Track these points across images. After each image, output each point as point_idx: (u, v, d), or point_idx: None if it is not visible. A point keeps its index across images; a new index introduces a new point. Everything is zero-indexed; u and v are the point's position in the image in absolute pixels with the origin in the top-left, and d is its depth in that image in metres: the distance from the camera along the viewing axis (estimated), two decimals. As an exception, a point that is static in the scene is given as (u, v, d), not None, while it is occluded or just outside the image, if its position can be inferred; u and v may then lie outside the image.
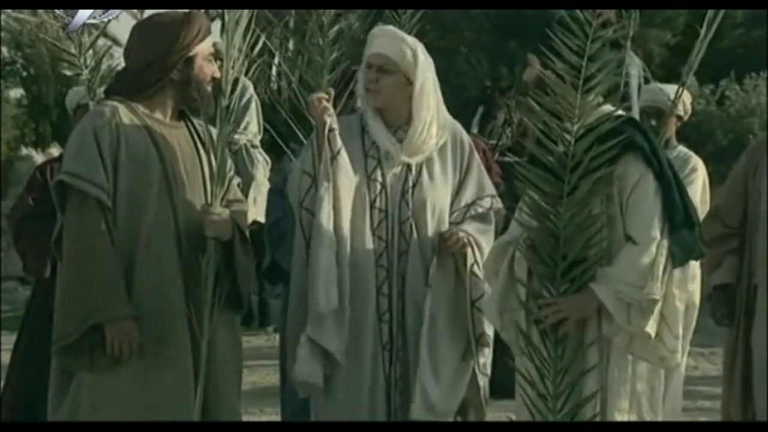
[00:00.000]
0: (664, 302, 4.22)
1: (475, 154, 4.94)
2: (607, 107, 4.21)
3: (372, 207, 4.76)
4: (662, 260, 4.16)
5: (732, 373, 5.39)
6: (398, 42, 4.80)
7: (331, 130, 4.68)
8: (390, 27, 5.08)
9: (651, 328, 4.16)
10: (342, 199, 4.69)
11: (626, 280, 4.13)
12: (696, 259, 4.42)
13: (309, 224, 4.67)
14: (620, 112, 4.27)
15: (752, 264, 5.28)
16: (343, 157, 4.69)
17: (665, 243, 4.18)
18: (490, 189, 4.92)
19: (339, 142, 4.68)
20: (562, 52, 3.99)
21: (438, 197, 4.80)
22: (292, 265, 4.84)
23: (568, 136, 4.03)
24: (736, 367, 5.35)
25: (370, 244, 4.74)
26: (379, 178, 4.78)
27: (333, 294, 4.62)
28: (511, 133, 8.85)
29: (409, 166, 4.81)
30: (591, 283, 4.14)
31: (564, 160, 4.03)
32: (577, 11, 4.02)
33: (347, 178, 4.70)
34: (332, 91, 4.78)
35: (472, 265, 4.77)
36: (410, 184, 4.79)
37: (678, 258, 4.23)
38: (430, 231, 4.78)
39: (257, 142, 7.17)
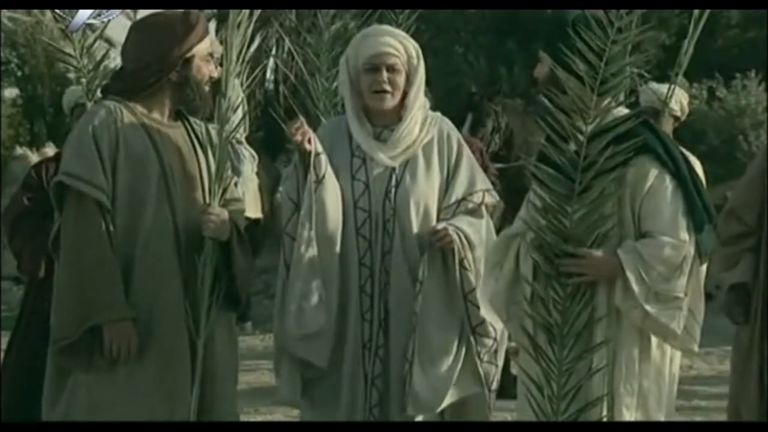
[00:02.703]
0: (692, 297, 4.23)
1: (465, 148, 4.93)
2: (622, 109, 4.20)
3: (356, 207, 4.77)
4: (690, 259, 4.17)
5: (744, 373, 5.38)
6: (403, 41, 4.83)
7: (316, 155, 4.68)
8: (386, 26, 5.09)
9: (677, 325, 4.17)
10: (329, 223, 4.69)
11: (654, 267, 4.12)
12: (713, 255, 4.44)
13: (290, 250, 4.70)
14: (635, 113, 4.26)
15: (768, 263, 5.30)
16: (329, 181, 4.70)
17: (693, 242, 4.19)
18: (483, 183, 4.91)
19: (323, 167, 4.69)
20: (578, 52, 3.98)
21: (422, 195, 4.80)
22: (276, 286, 4.87)
23: (580, 136, 4.02)
24: (752, 366, 5.34)
25: (354, 243, 4.75)
26: (363, 178, 4.79)
27: (307, 319, 4.66)
28: (500, 138, 8.89)
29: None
30: (620, 250, 4.12)
31: (575, 160, 4.03)
32: (599, 12, 4.02)
33: (333, 201, 4.71)
34: (303, 118, 4.77)
35: (462, 259, 4.77)
36: (393, 183, 4.79)
37: (705, 255, 4.25)
38: (415, 229, 4.78)
39: (242, 138, 7.19)
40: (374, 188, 4.79)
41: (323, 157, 4.70)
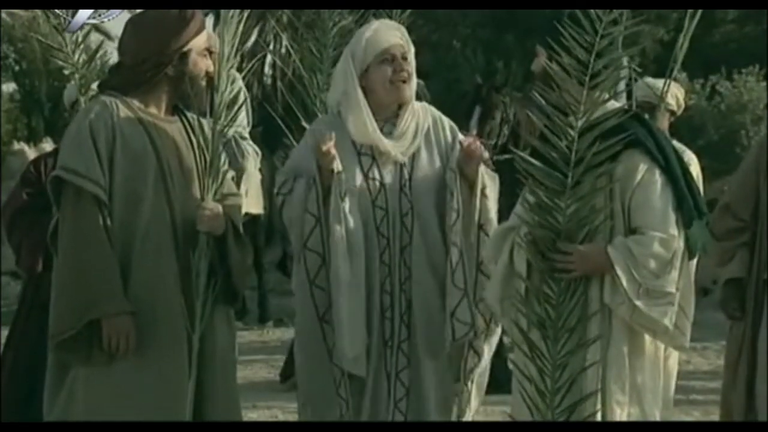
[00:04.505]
0: (682, 293, 4.24)
1: (457, 131, 4.94)
2: (613, 104, 4.21)
3: (374, 206, 4.75)
4: (680, 255, 4.18)
5: (736, 369, 5.38)
6: (404, 32, 4.86)
7: (338, 172, 4.66)
8: (385, 20, 5.11)
9: (669, 320, 4.18)
10: (357, 237, 4.68)
11: (644, 264, 4.13)
12: (705, 251, 4.44)
13: (314, 264, 4.67)
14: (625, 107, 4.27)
15: (763, 258, 5.29)
16: (349, 197, 4.69)
17: (682, 237, 4.19)
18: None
19: (344, 184, 4.67)
20: (570, 48, 3.99)
21: (433, 184, 4.79)
22: (296, 303, 4.84)
23: (571, 131, 4.03)
24: (741, 362, 5.35)
25: (375, 242, 4.73)
26: (377, 176, 4.77)
27: (358, 339, 4.65)
28: (509, 129, 8.83)
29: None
30: (609, 247, 4.14)
31: (567, 155, 4.03)
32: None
33: (357, 218, 4.69)
34: (334, 135, 4.72)
35: (484, 187, 4.77)
36: (406, 177, 4.79)
37: (694, 251, 4.25)
38: (433, 220, 4.77)
39: (246, 134, 7.19)
40: (389, 185, 4.77)
41: (343, 176, 4.68)
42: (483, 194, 4.77)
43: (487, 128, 8.68)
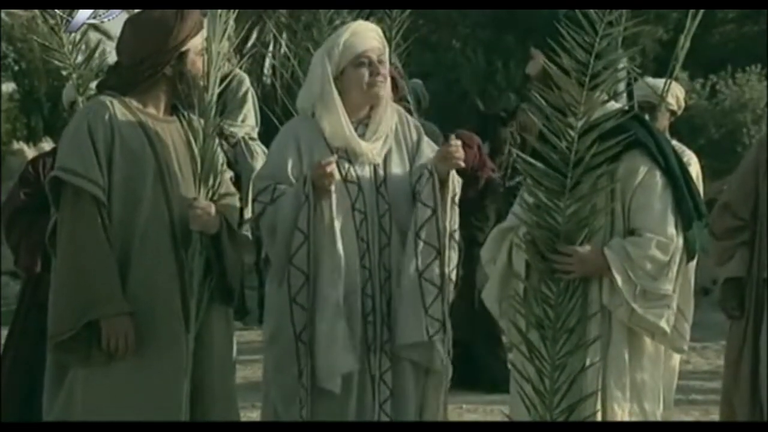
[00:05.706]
0: (681, 295, 4.24)
1: (422, 131, 4.94)
2: (613, 104, 4.20)
3: (353, 209, 4.73)
4: (678, 257, 4.17)
5: (737, 367, 5.38)
6: (380, 33, 4.85)
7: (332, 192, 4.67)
8: (364, 21, 5.09)
9: (666, 323, 4.17)
10: (340, 253, 4.66)
11: (641, 266, 4.13)
12: (704, 251, 4.45)
13: (297, 282, 4.63)
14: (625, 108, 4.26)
15: (762, 257, 5.29)
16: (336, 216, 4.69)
17: (681, 239, 4.19)
18: None
19: (334, 203, 4.67)
20: (570, 48, 3.98)
21: (407, 183, 4.78)
22: (270, 315, 4.81)
23: (571, 132, 4.02)
24: (743, 362, 5.34)
25: (354, 247, 4.71)
26: (354, 179, 4.75)
27: (341, 360, 4.63)
28: (516, 140, 8.89)
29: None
30: (606, 249, 4.14)
31: (566, 156, 4.02)
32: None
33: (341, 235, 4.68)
34: (336, 158, 4.71)
35: (455, 195, 4.77)
36: (381, 178, 4.77)
37: (693, 252, 4.25)
38: (410, 216, 4.74)
39: (255, 135, 7.19)
40: (365, 187, 4.76)
41: (335, 195, 4.68)
42: (453, 201, 4.77)
43: (497, 161, 8.78)
